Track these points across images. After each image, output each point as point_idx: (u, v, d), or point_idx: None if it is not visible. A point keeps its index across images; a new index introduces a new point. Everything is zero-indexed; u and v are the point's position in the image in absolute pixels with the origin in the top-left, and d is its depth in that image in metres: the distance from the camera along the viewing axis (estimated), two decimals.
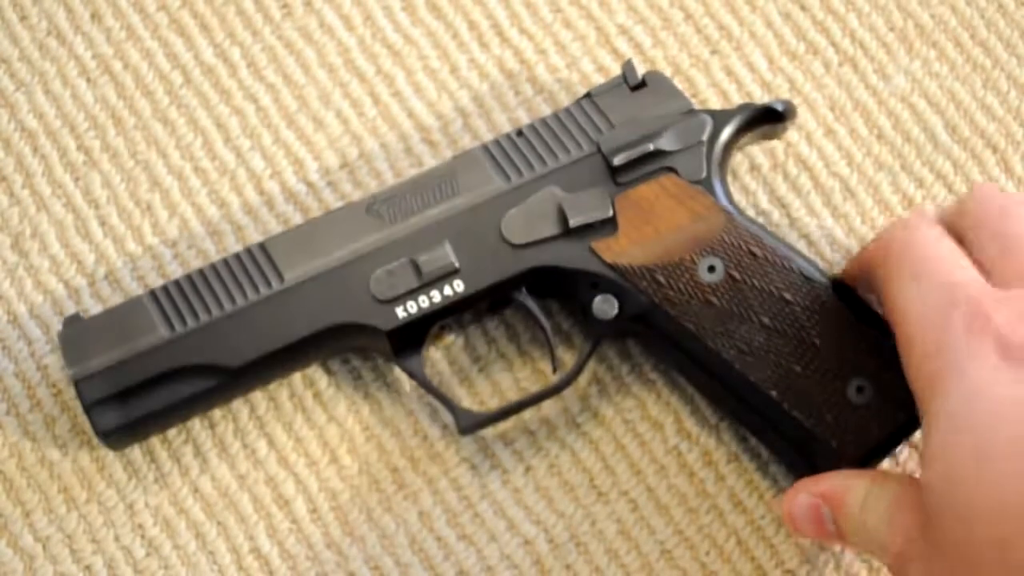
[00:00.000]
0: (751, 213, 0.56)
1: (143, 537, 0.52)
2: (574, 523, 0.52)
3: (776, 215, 0.56)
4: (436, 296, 0.50)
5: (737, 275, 0.49)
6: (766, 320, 0.49)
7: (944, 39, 0.59)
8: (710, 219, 0.50)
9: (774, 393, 0.48)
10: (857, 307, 0.49)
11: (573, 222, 0.51)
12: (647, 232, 0.50)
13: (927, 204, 0.57)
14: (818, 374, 0.48)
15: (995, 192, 0.47)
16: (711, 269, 0.49)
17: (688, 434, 0.53)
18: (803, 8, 0.59)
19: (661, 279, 0.50)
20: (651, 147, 0.51)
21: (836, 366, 0.48)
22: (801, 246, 0.56)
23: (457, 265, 0.51)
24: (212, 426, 0.54)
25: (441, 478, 0.53)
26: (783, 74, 0.59)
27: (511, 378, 0.55)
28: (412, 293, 0.50)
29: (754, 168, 0.57)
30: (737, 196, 0.56)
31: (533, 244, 0.51)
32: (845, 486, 0.45)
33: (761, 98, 0.58)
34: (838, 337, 0.48)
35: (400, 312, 0.50)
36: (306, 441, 0.54)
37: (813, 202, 0.57)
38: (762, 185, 0.57)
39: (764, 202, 0.57)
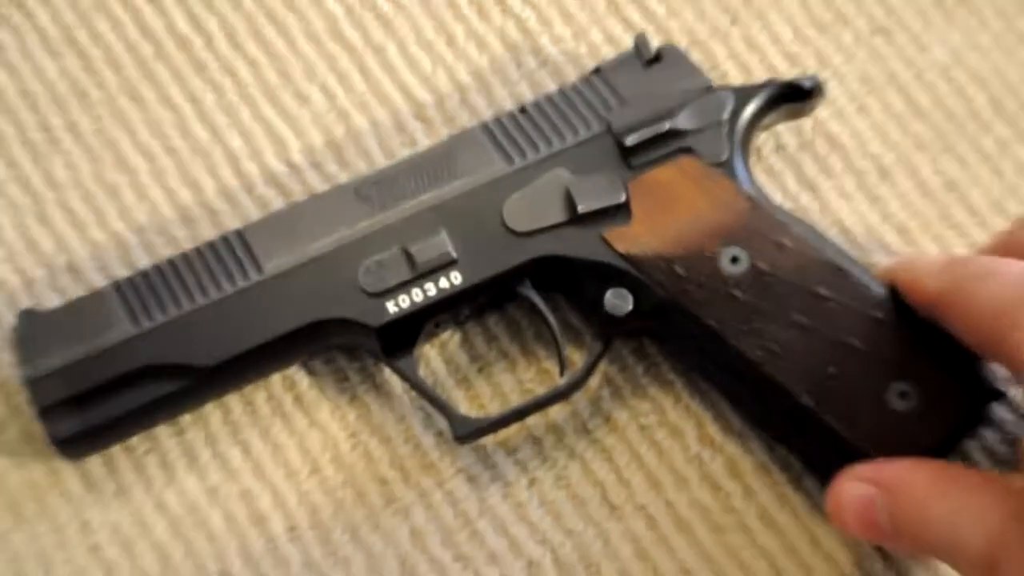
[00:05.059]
0: (777, 198, 0.55)
1: (99, 559, 0.51)
2: (584, 542, 0.51)
3: (804, 199, 0.55)
4: (431, 289, 0.49)
5: (763, 266, 0.48)
6: (796, 317, 0.47)
7: (985, 6, 0.58)
8: (732, 205, 0.49)
9: (805, 398, 0.47)
10: (900, 301, 0.48)
11: (582, 208, 0.50)
12: (664, 219, 0.50)
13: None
14: (855, 377, 0.47)
15: None
16: (735, 260, 0.48)
17: (711, 441, 0.53)
18: None
19: (680, 271, 0.49)
20: (667, 126, 0.51)
21: (876, 368, 0.47)
22: (832, 233, 0.55)
23: (454, 255, 0.50)
24: (180, 432, 0.53)
25: (435, 491, 0.52)
26: (810, 45, 0.58)
27: (513, 380, 0.54)
28: (404, 286, 0.49)
29: (780, 148, 0.56)
30: (762, 179, 0.55)
31: (538, 232, 0.50)
32: (910, 474, 0.43)
33: (786, 72, 0.57)
34: (878, 336, 0.47)
35: (391, 307, 0.49)
36: (285, 449, 0.53)
37: (845, 184, 0.56)
38: (789, 166, 0.56)
39: (791, 185, 0.56)
